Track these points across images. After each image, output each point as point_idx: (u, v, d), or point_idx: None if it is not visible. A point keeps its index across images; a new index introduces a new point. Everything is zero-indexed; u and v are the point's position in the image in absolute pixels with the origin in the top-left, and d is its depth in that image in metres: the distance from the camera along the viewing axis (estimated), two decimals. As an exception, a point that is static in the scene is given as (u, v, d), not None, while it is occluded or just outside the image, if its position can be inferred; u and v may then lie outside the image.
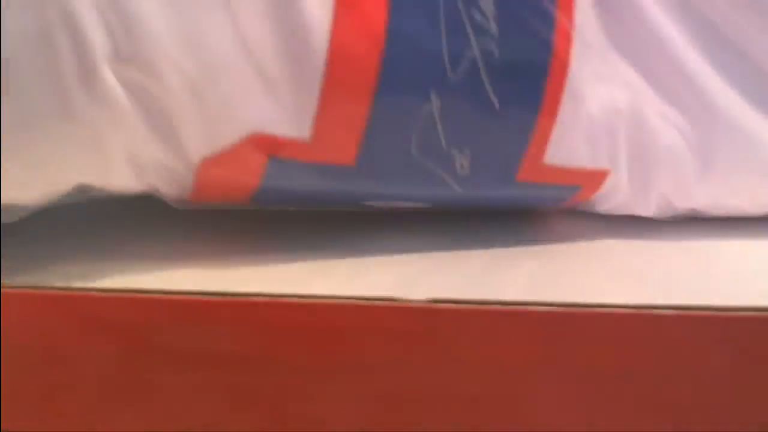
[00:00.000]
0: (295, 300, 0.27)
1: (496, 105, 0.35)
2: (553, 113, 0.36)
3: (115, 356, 0.27)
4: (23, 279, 0.29)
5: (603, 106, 0.37)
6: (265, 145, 0.34)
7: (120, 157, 0.34)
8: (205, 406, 0.28)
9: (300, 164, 0.35)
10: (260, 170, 0.35)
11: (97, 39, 0.31)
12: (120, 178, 0.35)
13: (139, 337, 0.27)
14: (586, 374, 0.27)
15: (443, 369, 0.27)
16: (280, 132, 0.34)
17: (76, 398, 0.28)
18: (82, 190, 0.35)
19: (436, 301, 0.27)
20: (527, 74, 0.35)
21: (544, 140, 0.36)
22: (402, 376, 0.27)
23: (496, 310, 0.27)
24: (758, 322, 0.26)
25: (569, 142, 0.37)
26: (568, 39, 0.35)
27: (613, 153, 0.38)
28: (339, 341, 0.27)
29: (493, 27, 0.34)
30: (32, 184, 0.34)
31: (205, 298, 0.27)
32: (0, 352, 0.27)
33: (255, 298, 0.27)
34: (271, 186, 0.36)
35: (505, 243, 0.38)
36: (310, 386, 0.27)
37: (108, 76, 0.32)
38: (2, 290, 0.27)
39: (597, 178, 0.38)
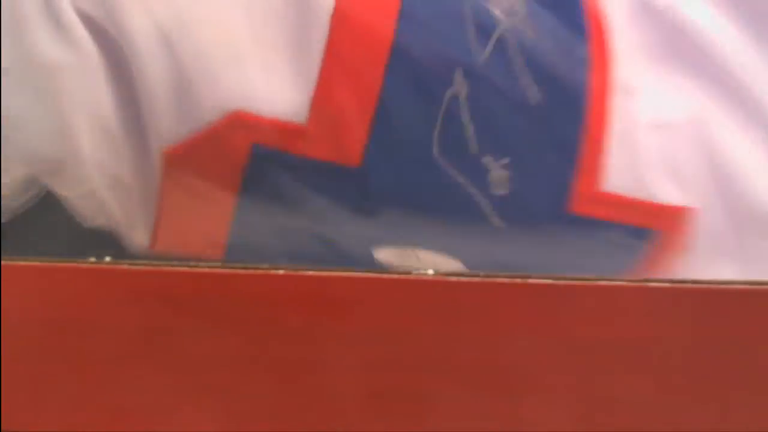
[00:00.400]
0: (312, 273, 0.27)
1: (535, 97, 0.28)
2: (602, 109, 0.29)
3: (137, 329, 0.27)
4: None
5: (671, 115, 0.30)
6: (250, 127, 0.28)
7: (84, 126, 0.28)
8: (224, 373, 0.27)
9: (292, 159, 0.28)
10: (241, 163, 0.28)
11: None
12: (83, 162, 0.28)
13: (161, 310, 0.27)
14: (585, 344, 0.27)
15: (451, 339, 0.27)
16: (271, 110, 0.28)
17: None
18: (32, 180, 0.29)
19: (442, 274, 0.27)
20: (565, 57, 0.29)
21: (598, 149, 0.29)
22: (410, 346, 0.27)
23: (500, 282, 0.27)
24: (749, 296, 0.27)
25: (632, 158, 0.29)
26: (601, 21, 0.29)
27: (694, 178, 0.30)
28: (349, 312, 0.27)
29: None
30: None
31: (225, 270, 0.27)
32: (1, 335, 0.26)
33: (273, 271, 0.26)
34: (248, 217, 0.29)
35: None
36: (322, 355, 0.27)
37: (69, 12, 0.28)
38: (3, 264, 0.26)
39: (676, 216, 0.30)
